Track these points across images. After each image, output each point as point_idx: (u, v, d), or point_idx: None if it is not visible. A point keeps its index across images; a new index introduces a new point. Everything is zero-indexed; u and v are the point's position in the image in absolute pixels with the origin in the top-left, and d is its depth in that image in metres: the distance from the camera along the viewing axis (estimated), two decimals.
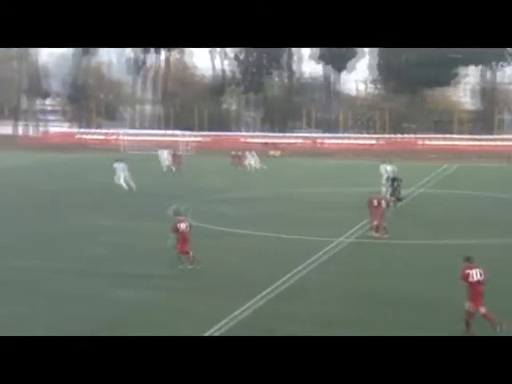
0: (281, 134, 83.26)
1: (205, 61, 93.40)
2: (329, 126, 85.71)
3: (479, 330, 15.62)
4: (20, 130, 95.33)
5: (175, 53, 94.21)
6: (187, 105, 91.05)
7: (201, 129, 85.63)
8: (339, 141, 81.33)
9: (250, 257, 23.94)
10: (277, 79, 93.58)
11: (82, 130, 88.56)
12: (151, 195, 38.70)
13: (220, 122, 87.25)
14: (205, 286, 20.09)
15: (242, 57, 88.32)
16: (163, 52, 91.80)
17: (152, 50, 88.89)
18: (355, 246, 25.76)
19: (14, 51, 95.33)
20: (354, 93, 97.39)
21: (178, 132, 79.84)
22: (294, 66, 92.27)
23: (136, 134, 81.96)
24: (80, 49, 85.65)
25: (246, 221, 31.01)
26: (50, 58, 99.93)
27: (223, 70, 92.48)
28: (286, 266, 21.99)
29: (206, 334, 15.43)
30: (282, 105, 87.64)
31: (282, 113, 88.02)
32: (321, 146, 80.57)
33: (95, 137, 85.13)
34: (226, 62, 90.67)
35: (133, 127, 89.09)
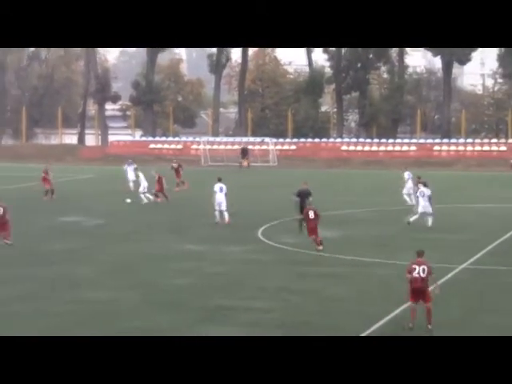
0: (390, 141, 72.30)
1: (299, 55, 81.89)
2: (447, 131, 74.73)
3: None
4: (87, 140, 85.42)
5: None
6: (277, 107, 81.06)
7: (292, 135, 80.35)
8: (460, 148, 73.20)
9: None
10: (385, 75, 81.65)
11: (157, 139, 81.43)
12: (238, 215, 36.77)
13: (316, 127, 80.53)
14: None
15: (343, 50, 76.57)
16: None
17: None
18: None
19: (79, 51, 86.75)
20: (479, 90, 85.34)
21: (267, 139, 74.77)
22: (407, 60, 79.81)
23: (219, 143, 76.58)
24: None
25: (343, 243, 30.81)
26: (119, 56, 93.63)
27: (322, 66, 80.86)
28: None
29: None
30: (389, 106, 75.95)
31: (389, 115, 76.48)
32: (438, 154, 70.10)
33: (172, 146, 78.45)
34: (324, 57, 78.65)
35: (215, 135, 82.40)
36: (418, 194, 34.43)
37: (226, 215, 35.35)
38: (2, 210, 29.00)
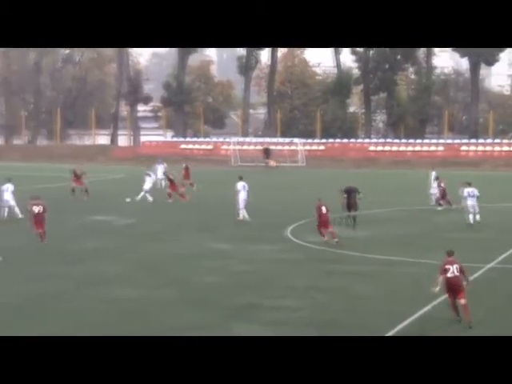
0: (418, 141, 71.98)
1: (327, 57, 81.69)
2: (475, 131, 74.20)
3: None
4: (119, 140, 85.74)
5: (292, 48, 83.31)
6: (306, 108, 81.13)
7: (320, 136, 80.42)
8: (488, 148, 72.57)
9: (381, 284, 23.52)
10: (413, 76, 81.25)
11: (188, 139, 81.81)
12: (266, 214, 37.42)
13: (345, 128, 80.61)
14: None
15: (371, 52, 76.16)
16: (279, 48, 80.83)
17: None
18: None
19: (111, 53, 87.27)
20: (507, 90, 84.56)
21: (296, 140, 75.03)
22: (434, 61, 79.39)
23: (249, 143, 76.95)
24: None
25: (371, 242, 30.64)
26: (151, 58, 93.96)
27: (350, 67, 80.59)
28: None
29: None
30: (417, 107, 75.63)
31: (416, 116, 76.21)
32: (465, 154, 69.44)
33: (203, 147, 77.68)
34: (352, 58, 78.40)
35: (245, 135, 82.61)
36: (465, 193, 34.23)
37: (241, 213, 35.29)
38: (42, 208, 29.88)
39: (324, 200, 30.28)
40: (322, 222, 29.78)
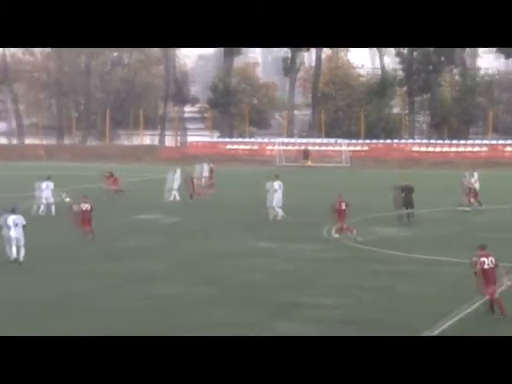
0: (461, 142, 70.99)
1: (371, 58, 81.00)
2: None
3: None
4: (166, 141, 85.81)
5: (336, 50, 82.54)
6: (350, 109, 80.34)
7: (364, 136, 79.10)
8: None
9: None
10: (457, 77, 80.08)
11: (234, 140, 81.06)
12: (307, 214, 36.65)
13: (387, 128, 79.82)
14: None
15: (415, 53, 75.17)
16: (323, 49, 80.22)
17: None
18: None
19: (158, 55, 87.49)
20: None
21: (340, 140, 74.16)
22: (479, 62, 78.20)
23: (293, 144, 76.30)
24: (228, 49, 75.53)
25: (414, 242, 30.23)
26: (197, 60, 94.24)
27: (394, 69, 79.75)
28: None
29: None
30: (460, 108, 74.52)
31: (460, 117, 75.05)
32: (510, 155, 68.59)
33: (248, 147, 77.59)
34: (396, 60, 77.55)
35: (290, 136, 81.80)
36: None
37: (280, 212, 35.04)
38: (89, 206, 30.40)
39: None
40: (339, 218, 30.37)
